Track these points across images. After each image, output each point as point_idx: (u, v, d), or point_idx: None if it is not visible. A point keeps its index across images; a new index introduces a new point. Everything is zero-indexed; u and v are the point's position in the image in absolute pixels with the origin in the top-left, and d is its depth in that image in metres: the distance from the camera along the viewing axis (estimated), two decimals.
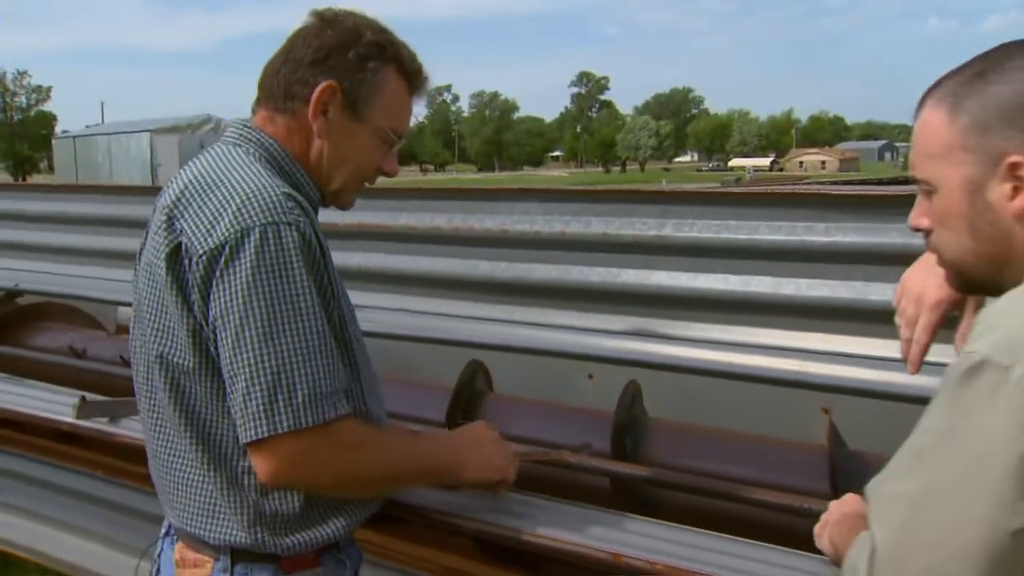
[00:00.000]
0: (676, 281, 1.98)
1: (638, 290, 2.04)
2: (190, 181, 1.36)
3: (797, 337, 1.85)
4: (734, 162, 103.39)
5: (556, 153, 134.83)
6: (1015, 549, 0.90)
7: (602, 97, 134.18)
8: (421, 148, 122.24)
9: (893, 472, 1.04)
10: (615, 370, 2.11)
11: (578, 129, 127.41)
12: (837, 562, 1.22)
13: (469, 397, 2.17)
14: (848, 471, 1.71)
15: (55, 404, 2.43)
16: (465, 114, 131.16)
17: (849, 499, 1.33)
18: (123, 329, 3.23)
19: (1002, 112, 1.02)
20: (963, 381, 0.94)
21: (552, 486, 1.79)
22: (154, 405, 1.42)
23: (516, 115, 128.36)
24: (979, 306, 1.28)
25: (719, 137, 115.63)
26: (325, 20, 1.45)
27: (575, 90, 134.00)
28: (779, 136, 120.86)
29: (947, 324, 1.29)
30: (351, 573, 1.49)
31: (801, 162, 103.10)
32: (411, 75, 1.49)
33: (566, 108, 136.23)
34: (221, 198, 1.30)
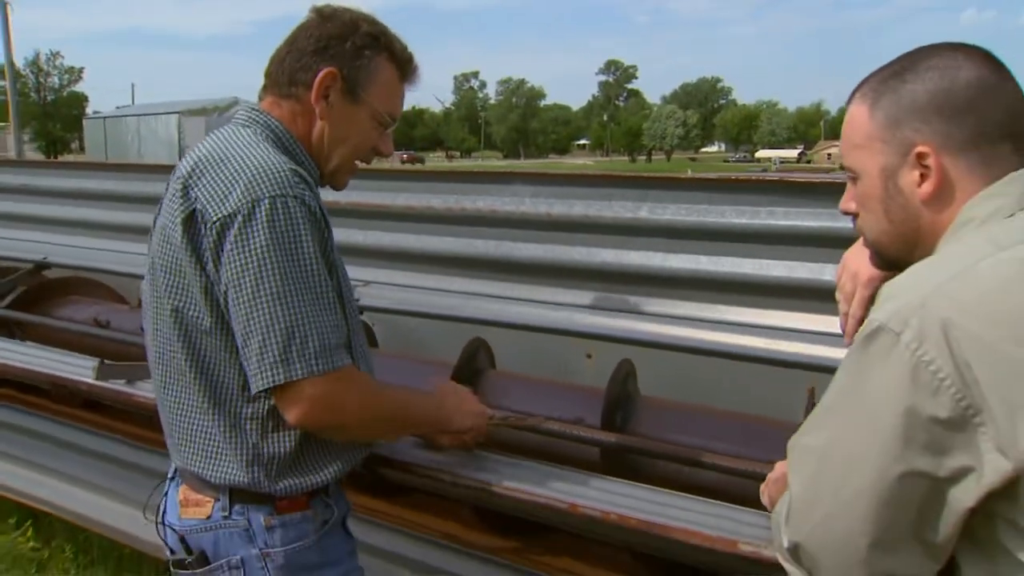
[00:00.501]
0: (650, 260, 2.11)
1: (615, 268, 2.18)
2: (203, 155, 1.51)
3: (759, 314, 1.98)
4: (761, 153, 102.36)
5: (582, 141, 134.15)
6: (901, 490, 1.03)
7: (630, 86, 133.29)
8: (447, 134, 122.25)
9: (807, 428, 1.16)
10: (614, 351, 2.22)
11: (605, 118, 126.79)
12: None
13: (471, 373, 2.28)
14: None
15: (77, 367, 2.59)
16: (492, 101, 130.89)
17: None
18: None
19: (914, 107, 1.13)
20: (863, 345, 1.06)
21: (550, 456, 1.92)
22: (166, 358, 1.56)
23: (543, 103, 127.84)
24: None
25: (747, 128, 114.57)
26: (324, 15, 1.61)
27: (602, 78, 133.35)
28: (807, 128, 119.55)
29: None
30: (339, 519, 1.64)
31: (829, 154, 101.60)
32: (402, 63, 1.65)
33: (593, 96, 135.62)
34: (233, 171, 1.45)
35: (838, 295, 1.47)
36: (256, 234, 1.39)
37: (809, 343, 1.85)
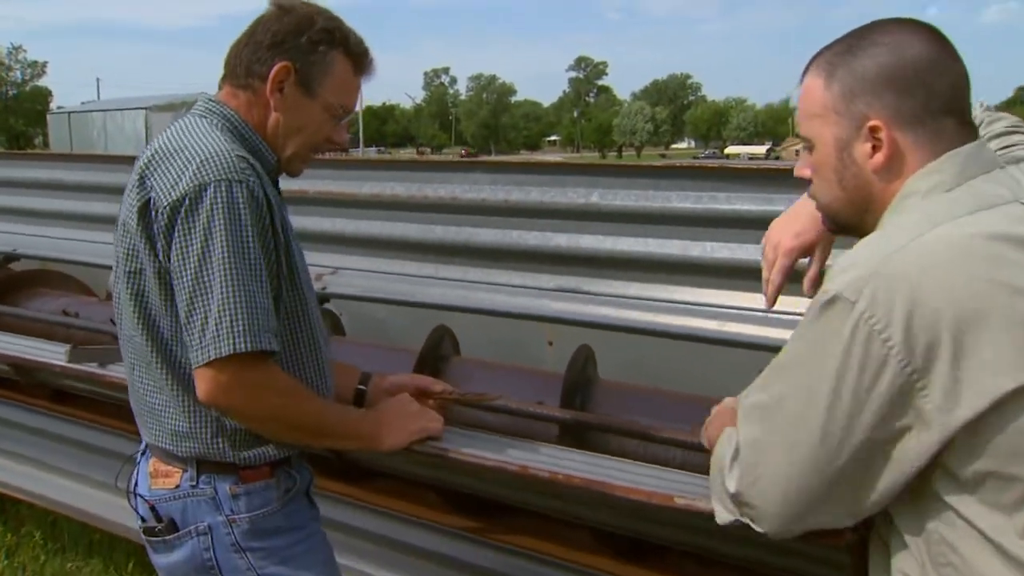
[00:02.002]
0: (602, 244, 2.23)
1: (569, 252, 2.29)
2: (159, 147, 1.59)
3: (706, 294, 2.09)
4: (730, 149, 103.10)
5: (553, 138, 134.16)
6: (848, 451, 1.10)
7: (600, 82, 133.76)
8: (418, 130, 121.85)
9: (758, 385, 1.24)
10: (574, 338, 2.30)
11: (575, 114, 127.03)
12: (710, 451, 1.38)
13: (435, 360, 2.36)
14: None
15: (50, 352, 2.64)
16: (463, 97, 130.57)
17: (727, 400, 1.51)
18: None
19: (866, 82, 1.19)
20: (820, 313, 1.13)
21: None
22: (132, 341, 1.64)
23: (514, 99, 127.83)
24: (825, 257, 1.50)
25: (716, 124, 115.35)
26: (283, 8, 1.67)
27: (573, 74, 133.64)
28: (776, 124, 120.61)
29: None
30: (302, 488, 1.73)
31: (797, 151, 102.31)
32: (357, 57, 1.71)
33: (564, 93, 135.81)
34: (184, 160, 1.53)
35: (762, 264, 1.54)
36: (201, 217, 1.47)
37: (755, 324, 1.95)
